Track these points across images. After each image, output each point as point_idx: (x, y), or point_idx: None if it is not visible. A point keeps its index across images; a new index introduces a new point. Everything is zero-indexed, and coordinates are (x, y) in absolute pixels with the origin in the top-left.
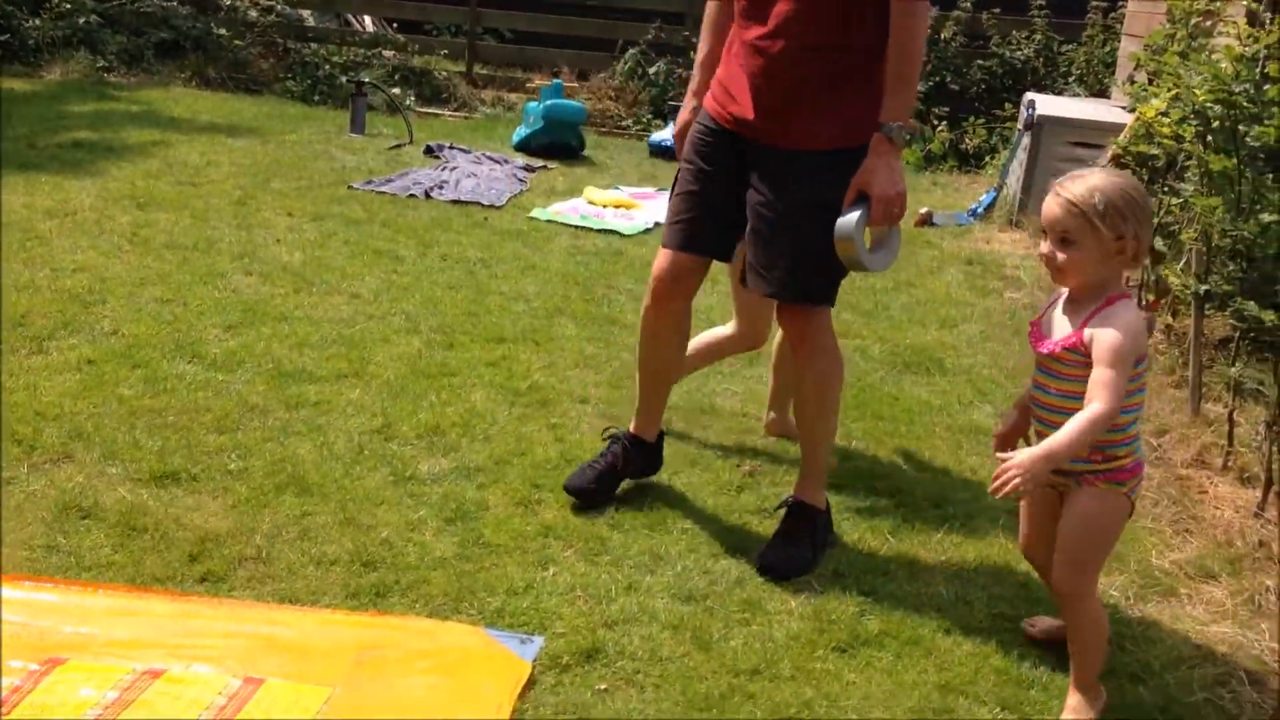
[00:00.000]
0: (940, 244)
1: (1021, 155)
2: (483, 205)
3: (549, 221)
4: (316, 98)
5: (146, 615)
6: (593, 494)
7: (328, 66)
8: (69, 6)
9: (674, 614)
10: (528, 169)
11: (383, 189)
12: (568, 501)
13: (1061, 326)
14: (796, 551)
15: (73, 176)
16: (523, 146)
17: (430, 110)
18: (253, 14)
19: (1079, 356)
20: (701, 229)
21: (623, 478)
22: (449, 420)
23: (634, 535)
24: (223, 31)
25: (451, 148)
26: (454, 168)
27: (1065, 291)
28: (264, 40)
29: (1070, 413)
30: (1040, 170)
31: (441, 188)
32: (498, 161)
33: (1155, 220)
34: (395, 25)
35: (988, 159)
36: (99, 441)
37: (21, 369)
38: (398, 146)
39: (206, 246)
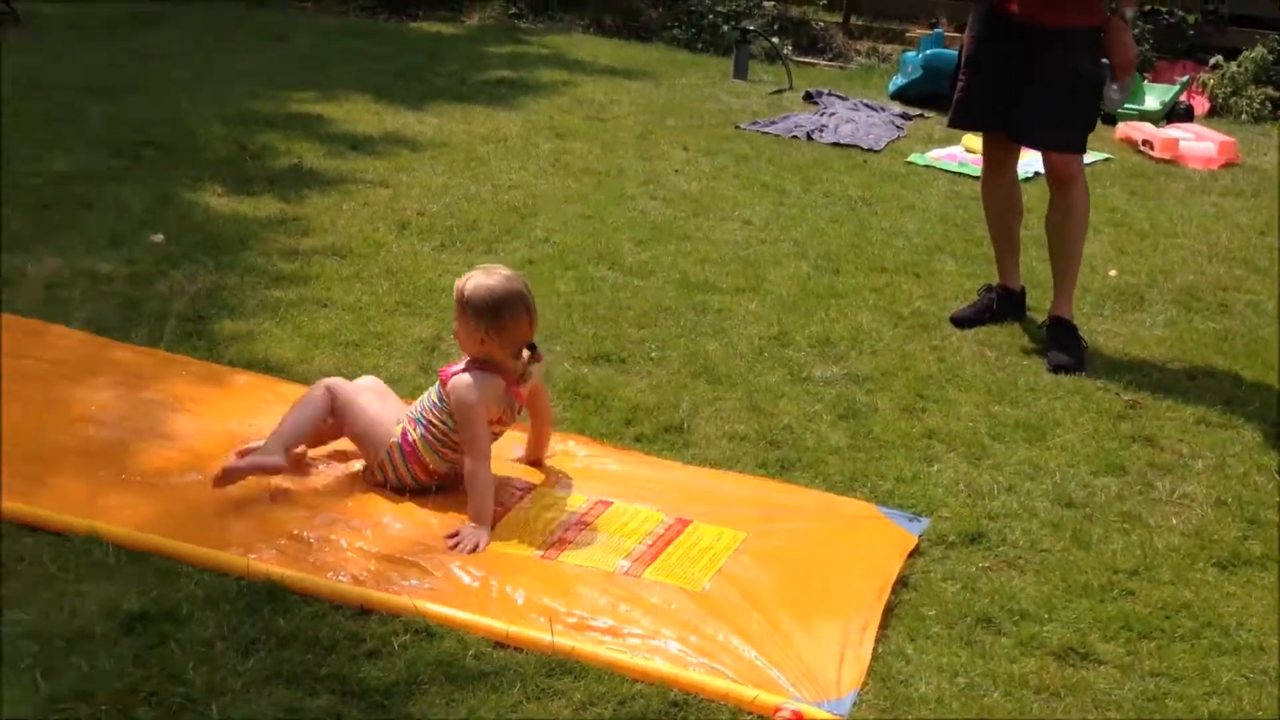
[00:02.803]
0: None
1: None
2: (861, 149)
3: (927, 167)
4: (700, 45)
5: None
6: (971, 322)
7: (711, 16)
8: None
9: (1054, 515)
10: (904, 116)
11: (767, 129)
12: (950, 413)
13: None
14: (1072, 354)
15: (500, 109)
16: (899, 95)
17: (806, 60)
18: None
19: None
20: (1003, 107)
21: (996, 318)
22: (838, 334)
23: (1014, 447)
24: None
25: (830, 94)
26: (832, 113)
27: None
28: None
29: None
30: None
31: (822, 131)
32: (874, 109)
33: None
34: None
35: None
36: (543, 326)
37: (477, 263)
38: (779, 92)
39: (616, 173)
